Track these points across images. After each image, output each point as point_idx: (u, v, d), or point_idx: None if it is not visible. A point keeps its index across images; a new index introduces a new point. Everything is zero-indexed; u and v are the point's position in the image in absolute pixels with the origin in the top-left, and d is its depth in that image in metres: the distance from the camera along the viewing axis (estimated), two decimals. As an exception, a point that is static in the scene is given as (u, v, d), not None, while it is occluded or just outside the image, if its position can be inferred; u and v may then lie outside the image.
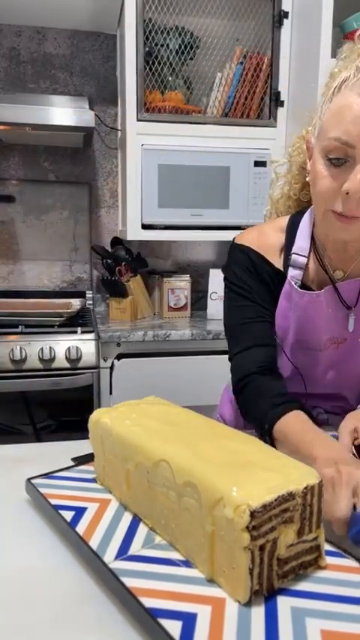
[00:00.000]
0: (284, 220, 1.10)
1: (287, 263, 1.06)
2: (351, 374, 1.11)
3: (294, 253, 1.05)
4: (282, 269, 1.06)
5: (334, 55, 2.15)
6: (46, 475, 0.82)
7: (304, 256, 1.05)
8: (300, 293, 1.03)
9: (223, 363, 2.27)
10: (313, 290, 1.05)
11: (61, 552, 0.67)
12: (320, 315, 1.04)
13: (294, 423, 0.90)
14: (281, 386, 1.02)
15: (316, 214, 0.97)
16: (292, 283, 1.04)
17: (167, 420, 0.75)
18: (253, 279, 1.08)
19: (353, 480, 0.70)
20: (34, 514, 0.76)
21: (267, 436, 0.92)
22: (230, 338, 1.12)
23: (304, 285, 1.05)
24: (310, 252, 1.06)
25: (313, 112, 0.97)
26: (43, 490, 0.77)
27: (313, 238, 1.06)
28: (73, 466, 0.87)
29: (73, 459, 0.89)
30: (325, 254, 1.05)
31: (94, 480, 0.82)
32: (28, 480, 0.80)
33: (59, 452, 0.92)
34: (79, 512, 0.72)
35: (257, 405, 0.99)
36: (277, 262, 1.07)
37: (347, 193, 0.85)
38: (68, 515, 0.70)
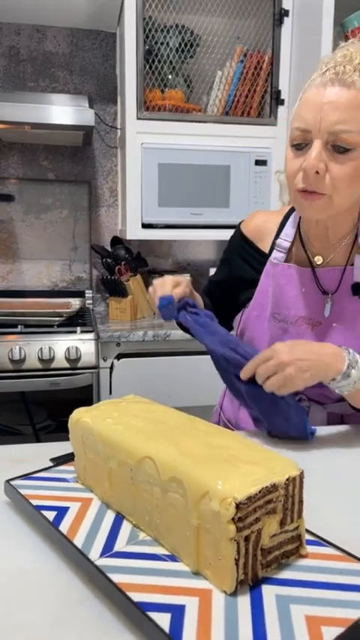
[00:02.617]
0: (288, 209, 1.22)
1: (274, 247, 1.18)
2: None
3: (280, 238, 1.17)
4: (268, 252, 1.18)
5: (334, 53, 2.15)
6: (25, 476, 0.82)
7: (288, 241, 1.16)
8: (274, 264, 1.15)
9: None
10: None
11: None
12: (293, 290, 1.13)
13: None
14: None
15: (292, 197, 1.07)
16: (271, 259, 1.16)
17: (149, 418, 0.75)
18: (236, 255, 1.25)
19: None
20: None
21: None
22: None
23: None
24: (294, 239, 1.16)
25: None
26: (23, 491, 0.76)
27: (300, 227, 1.17)
28: (52, 466, 0.86)
29: (52, 460, 0.89)
30: (308, 241, 1.15)
31: (74, 480, 0.82)
32: (7, 481, 0.79)
33: (58, 452, 0.91)
34: (62, 511, 0.72)
35: None
36: (267, 246, 1.19)
37: (303, 170, 0.97)
38: (50, 516, 0.70)
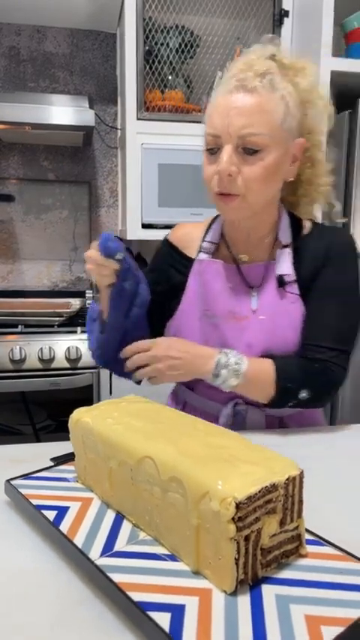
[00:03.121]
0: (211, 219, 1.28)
1: (200, 251, 1.22)
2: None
3: (205, 241, 1.22)
4: (194, 257, 1.22)
5: (334, 53, 2.16)
6: (26, 476, 0.82)
7: (213, 243, 1.21)
8: (200, 260, 1.20)
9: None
10: None
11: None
12: (220, 286, 1.17)
13: None
14: None
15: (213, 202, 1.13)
16: (197, 259, 1.21)
17: (149, 418, 0.76)
18: (164, 263, 1.28)
19: None
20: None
21: None
22: None
23: None
24: (220, 241, 1.22)
25: None
26: (23, 491, 0.77)
27: (223, 232, 1.23)
28: (52, 466, 0.86)
29: (52, 459, 0.89)
30: (232, 242, 1.20)
31: (74, 480, 0.82)
32: (8, 481, 0.79)
33: (58, 452, 0.91)
34: (62, 511, 0.72)
35: None
36: (194, 252, 1.23)
37: (217, 174, 1.03)
38: (51, 515, 0.70)
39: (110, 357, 1.18)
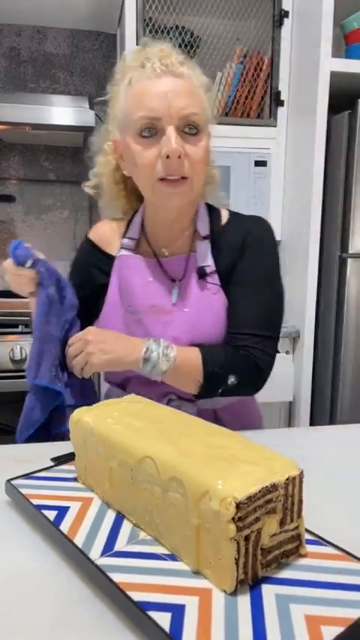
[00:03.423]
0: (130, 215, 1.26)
1: (121, 248, 1.21)
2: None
3: (125, 238, 1.21)
4: (116, 254, 1.21)
5: (334, 54, 2.16)
6: (26, 476, 0.82)
7: (133, 239, 1.20)
8: (120, 257, 1.19)
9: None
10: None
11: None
12: (140, 280, 1.17)
13: None
14: None
15: (145, 193, 1.10)
16: (118, 256, 1.20)
17: (149, 418, 0.76)
18: (86, 263, 1.25)
19: None
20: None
21: None
22: None
23: None
24: (140, 237, 1.20)
25: (110, 121, 1.14)
26: (23, 491, 0.77)
27: (144, 226, 1.21)
28: (53, 466, 0.86)
29: (53, 459, 0.89)
30: (153, 236, 1.20)
31: (75, 479, 0.82)
32: (8, 480, 0.79)
33: (59, 452, 0.91)
34: (62, 511, 0.72)
35: None
36: (115, 249, 1.22)
37: (168, 157, 1.00)
38: (51, 515, 0.70)
39: (46, 372, 1.11)
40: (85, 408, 0.81)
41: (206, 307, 1.15)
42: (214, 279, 1.16)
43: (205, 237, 1.17)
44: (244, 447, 0.65)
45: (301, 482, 0.61)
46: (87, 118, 2.28)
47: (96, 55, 2.70)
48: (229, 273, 1.16)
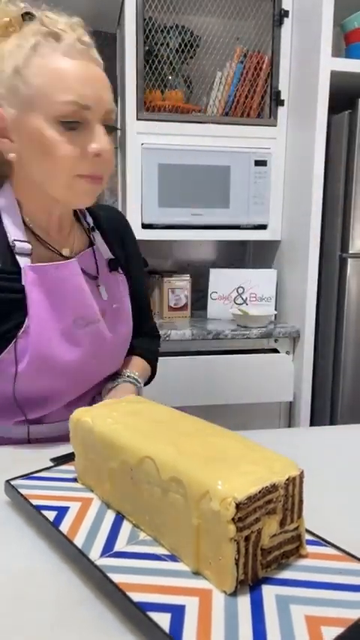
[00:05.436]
0: None
1: (12, 256, 0.98)
2: (109, 358, 1.15)
3: (15, 241, 0.98)
4: (11, 266, 0.98)
5: (334, 53, 2.16)
6: (26, 476, 0.82)
7: (25, 241, 0.99)
8: (32, 267, 0.97)
9: (223, 363, 2.27)
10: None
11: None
12: (70, 287, 1.01)
13: None
14: None
15: (54, 187, 0.95)
16: (24, 268, 0.97)
17: (149, 418, 0.76)
18: None
19: None
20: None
21: None
22: None
23: None
24: (30, 239, 1.01)
25: None
26: (23, 491, 0.76)
27: (27, 225, 1.02)
28: (52, 466, 0.86)
29: (52, 460, 0.89)
30: (46, 237, 1.04)
31: (74, 480, 0.82)
32: (7, 481, 0.79)
33: (59, 452, 0.92)
34: (62, 511, 0.72)
35: None
36: (7, 262, 0.98)
37: (98, 155, 0.90)
38: (51, 515, 0.70)
39: None
40: (84, 407, 0.81)
41: (124, 297, 1.15)
42: (120, 268, 1.16)
43: (93, 228, 1.13)
44: (244, 446, 0.65)
45: (301, 482, 0.61)
46: (87, 117, 2.27)
47: (96, 55, 2.69)
48: (121, 259, 1.17)
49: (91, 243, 1.12)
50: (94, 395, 1.17)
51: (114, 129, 0.95)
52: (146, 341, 1.32)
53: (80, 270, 1.04)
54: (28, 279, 0.97)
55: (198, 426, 0.73)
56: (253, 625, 0.52)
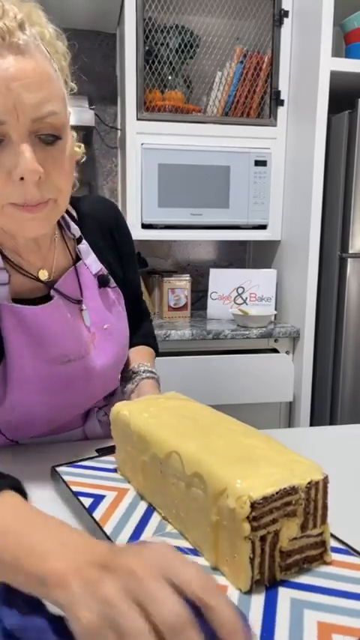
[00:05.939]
0: None
1: None
2: (101, 385, 1.03)
3: None
4: None
5: (334, 54, 2.16)
6: (71, 464, 0.86)
7: (2, 269, 0.88)
8: (9, 307, 0.87)
9: (223, 363, 2.27)
10: (32, 303, 0.90)
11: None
12: (54, 324, 0.92)
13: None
14: None
15: None
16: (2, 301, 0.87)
17: (183, 414, 0.77)
18: None
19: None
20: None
21: None
22: None
23: (17, 302, 0.89)
24: (4, 266, 0.90)
25: None
26: (66, 477, 0.80)
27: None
28: (96, 456, 0.90)
29: (97, 450, 0.93)
30: (20, 260, 0.92)
31: (114, 470, 0.84)
32: (53, 467, 0.84)
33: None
34: (97, 499, 0.75)
35: None
36: None
37: (22, 179, 0.73)
38: (87, 502, 0.73)
39: None
40: (125, 402, 0.83)
41: (117, 312, 1.05)
42: (112, 282, 1.03)
43: (79, 240, 0.99)
44: (270, 448, 0.64)
45: (325, 487, 0.60)
46: (86, 117, 2.27)
47: (95, 55, 2.69)
48: (114, 267, 1.08)
49: (78, 258, 1.00)
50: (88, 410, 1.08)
51: (55, 138, 0.76)
52: (145, 326, 1.32)
53: (62, 304, 0.94)
54: (5, 322, 0.87)
55: (231, 425, 0.73)
56: (263, 625, 0.52)
